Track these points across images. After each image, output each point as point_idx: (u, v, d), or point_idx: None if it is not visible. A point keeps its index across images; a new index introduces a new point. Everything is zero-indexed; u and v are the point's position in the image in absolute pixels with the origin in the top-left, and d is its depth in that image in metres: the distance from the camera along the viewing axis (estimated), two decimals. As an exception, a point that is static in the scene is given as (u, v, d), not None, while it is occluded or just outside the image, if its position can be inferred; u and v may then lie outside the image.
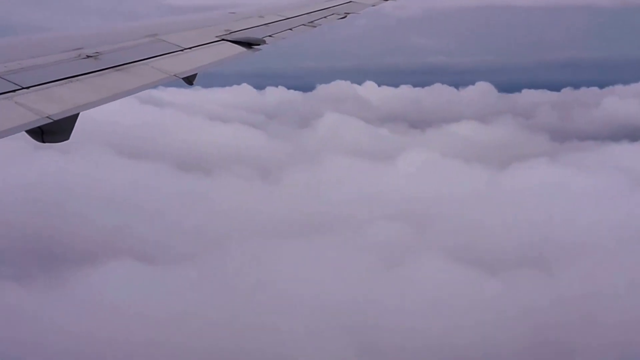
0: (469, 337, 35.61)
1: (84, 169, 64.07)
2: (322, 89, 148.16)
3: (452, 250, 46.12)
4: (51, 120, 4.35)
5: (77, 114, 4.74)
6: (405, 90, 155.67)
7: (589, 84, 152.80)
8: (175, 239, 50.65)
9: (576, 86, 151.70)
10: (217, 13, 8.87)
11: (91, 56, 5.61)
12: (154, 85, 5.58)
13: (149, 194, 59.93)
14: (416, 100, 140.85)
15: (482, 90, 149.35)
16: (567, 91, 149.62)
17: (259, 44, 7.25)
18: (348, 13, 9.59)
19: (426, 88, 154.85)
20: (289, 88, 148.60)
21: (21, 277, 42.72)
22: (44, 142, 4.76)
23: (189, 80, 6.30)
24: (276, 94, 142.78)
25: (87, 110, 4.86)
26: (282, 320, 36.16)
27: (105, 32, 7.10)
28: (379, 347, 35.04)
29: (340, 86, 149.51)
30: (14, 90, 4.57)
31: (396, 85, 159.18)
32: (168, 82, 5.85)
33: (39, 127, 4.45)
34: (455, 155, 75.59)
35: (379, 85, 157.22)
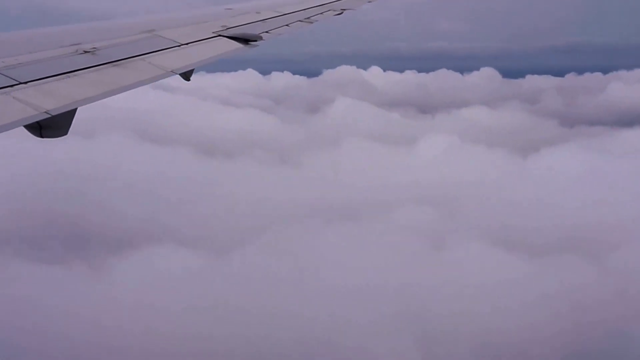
0: (514, 320, 35.09)
1: (110, 155, 64.58)
2: (328, 74, 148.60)
3: (488, 233, 45.81)
4: (49, 116, 4.38)
5: (75, 109, 4.77)
6: (411, 75, 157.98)
7: (592, 70, 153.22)
8: (209, 224, 50.29)
9: (580, 72, 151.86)
10: (213, 9, 8.89)
11: (88, 52, 5.63)
12: (151, 81, 5.60)
13: (176, 179, 59.80)
14: (422, 85, 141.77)
15: (486, 76, 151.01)
16: (571, 76, 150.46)
17: (255, 40, 7.28)
18: (344, 9, 9.62)
19: (430, 73, 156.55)
20: (294, 73, 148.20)
21: (57, 262, 42.36)
22: (42, 137, 4.79)
23: (186, 76, 6.33)
24: (282, 79, 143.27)
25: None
26: (330, 307, 35.41)
27: (102, 27, 7.12)
28: (432, 332, 34.39)
29: (346, 71, 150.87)
30: (11, 85, 4.59)
31: (401, 71, 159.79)
32: (165, 78, 5.87)
33: (37, 122, 4.48)
34: (473, 140, 75.55)
35: (384, 71, 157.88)
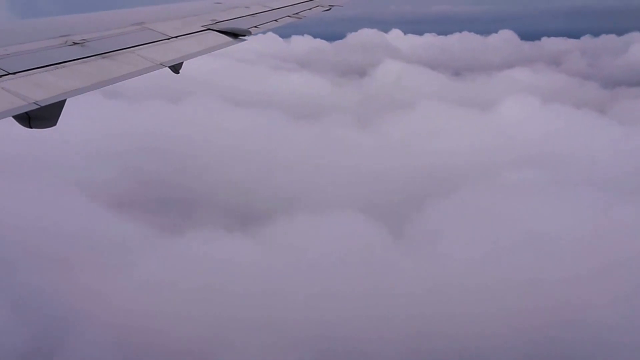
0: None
1: (200, 118, 63.88)
2: (351, 38, 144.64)
3: (601, 185, 44.91)
4: (38, 106, 4.40)
5: (64, 100, 4.80)
6: (431, 38, 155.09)
7: (607, 32, 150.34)
8: (317, 188, 49.09)
9: (595, 34, 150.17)
10: (203, 3, 8.92)
11: (78, 43, 5.65)
12: (140, 74, 5.64)
13: (276, 142, 59.05)
14: (445, 48, 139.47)
15: (506, 39, 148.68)
16: (586, 39, 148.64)
17: (244, 35, 7.33)
18: (332, 5, 9.68)
19: (449, 36, 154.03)
20: (314, 36, 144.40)
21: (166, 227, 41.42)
22: (31, 127, 4.81)
23: (175, 69, 6.37)
24: (303, 43, 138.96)
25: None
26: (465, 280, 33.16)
27: (92, 19, 7.13)
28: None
29: (369, 34, 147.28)
30: (0, 76, 4.61)
31: (420, 34, 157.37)
32: (154, 71, 5.91)
33: (26, 113, 4.50)
34: (546, 100, 73.89)
35: (405, 34, 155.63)
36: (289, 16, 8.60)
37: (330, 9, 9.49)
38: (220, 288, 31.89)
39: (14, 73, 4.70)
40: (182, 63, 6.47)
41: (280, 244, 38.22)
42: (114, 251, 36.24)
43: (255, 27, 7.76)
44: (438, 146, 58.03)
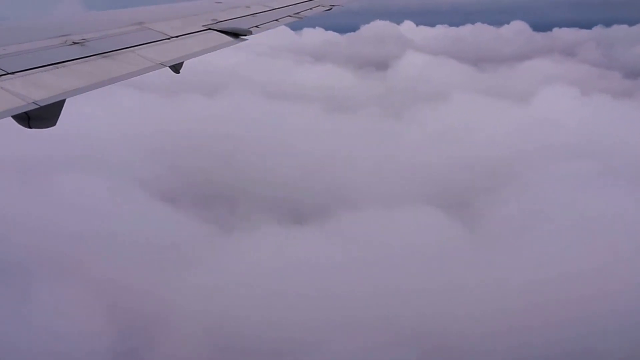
0: None
1: (239, 111, 63.66)
2: (364, 30, 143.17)
3: None
4: (37, 106, 4.37)
5: (64, 100, 4.77)
6: (443, 29, 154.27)
7: (619, 22, 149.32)
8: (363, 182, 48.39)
9: (607, 24, 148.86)
10: (203, 2, 8.90)
11: (77, 43, 5.62)
12: (140, 73, 5.61)
13: (317, 135, 58.40)
14: (459, 39, 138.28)
15: (518, 29, 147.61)
16: (598, 29, 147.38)
17: (245, 35, 7.30)
18: (333, 5, 9.66)
19: (461, 27, 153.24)
20: (326, 29, 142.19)
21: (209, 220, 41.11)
22: (30, 127, 4.78)
23: (176, 69, 6.34)
24: (315, 35, 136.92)
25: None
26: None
27: (92, 19, 7.10)
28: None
29: (382, 26, 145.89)
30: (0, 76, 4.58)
31: (432, 25, 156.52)
32: (154, 71, 5.88)
33: (26, 113, 4.48)
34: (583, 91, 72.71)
35: (417, 25, 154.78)
36: (289, 16, 8.58)
37: (331, 8, 9.48)
38: (300, 287, 31.32)
39: (13, 73, 4.67)
40: (182, 63, 6.44)
41: (352, 239, 37.42)
42: (183, 249, 35.91)
43: (256, 26, 7.73)
44: (481, 138, 57.45)
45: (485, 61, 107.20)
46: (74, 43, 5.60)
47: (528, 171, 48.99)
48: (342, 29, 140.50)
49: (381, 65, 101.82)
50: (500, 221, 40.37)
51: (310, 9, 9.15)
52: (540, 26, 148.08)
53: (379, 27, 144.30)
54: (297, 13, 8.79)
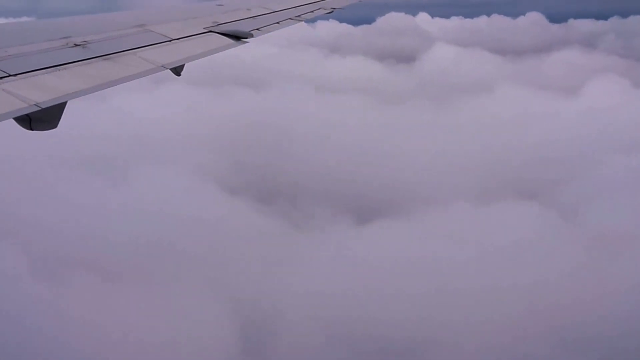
0: None
1: (288, 105, 63.52)
2: (380, 21, 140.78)
3: None
4: (39, 108, 4.37)
5: (65, 102, 4.77)
6: (458, 21, 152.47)
7: (635, 12, 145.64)
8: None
9: (624, 15, 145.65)
10: (204, 5, 8.90)
11: (79, 45, 5.63)
12: (141, 76, 5.61)
13: (372, 128, 57.90)
14: (476, 31, 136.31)
15: (534, 21, 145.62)
16: (615, 19, 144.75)
17: (246, 37, 7.30)
18: (335, 8, 9.67)
19: (476, 19, 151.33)
20: (340, 21, 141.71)
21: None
22: (32, 129, 4.78)
23: (177, 71, 6.34)
24: (330, 28, 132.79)
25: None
26: None
27: (93, 21, 7.11)
28: None
29: (398, 18, 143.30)
30: (1, 78, 4.57)
31: (447, 17, 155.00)
32: (155, 73, 5.88)
33: (27, 115, 4.48)
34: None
35: (432, 17, 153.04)
36: (290, 19, 8.59)
37: (332, 11, 9.49)
38: (404, 285, 30.59)
39: (15, 75, 4.67)
40: (183, 65, 6.45)
41: (442, 235, 36.45)
42: (263, 246, 35.78)
43: (257, 29, 7.74)
44: (537, 130, 56.42)
45: (512, 53, 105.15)
46: (76, 45, 5.60)
47: (589, 164, 48.21)
48: (356, 22, 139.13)
49: (405, 57, 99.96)
50: (584, 213, 39.39)
51: (312, 11, 9.17)
52: (556, 17, 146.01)
53: (395, 19, 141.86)
54: (299, 16, 8.80)
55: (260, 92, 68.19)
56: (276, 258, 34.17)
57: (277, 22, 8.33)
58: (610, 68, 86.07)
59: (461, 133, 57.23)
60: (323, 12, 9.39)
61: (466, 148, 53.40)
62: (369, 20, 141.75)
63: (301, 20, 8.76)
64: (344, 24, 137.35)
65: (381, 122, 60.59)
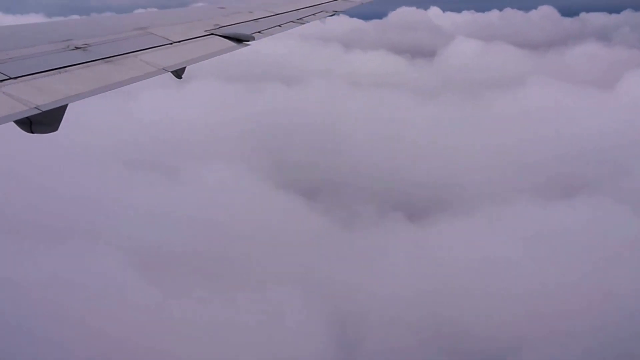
0: None
1: (326, 100, 63.25)
2: (392, 16, 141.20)
3: None
4: (40, 111, 4.35)
5: (66, 105, 4.75)
6: (470, 15, 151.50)
7: None
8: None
9: (636, 8, 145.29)
10: (206, 8, 8.88)
11: (80, 47, 5.61)
12: (143, 78, 5.59)
13: (413, 123, 57.41)
14: (490, 24, 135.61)
15: (545, 14, 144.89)
16: (628, 13, 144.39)
17: (247, 40, 7.28)
18: (337, 11, 9.65)
19: (487, 13, 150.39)
20: (350, 16, 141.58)
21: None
22: (32, 132, 4.76)
23: (178, 74, 6.32)
24: (340, 22, 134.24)
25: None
26: None
27: (94, 24, 7.09)
28: None
29: (409, 12, 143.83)
30: (1, 81, 4.55)
31: (458, 11, 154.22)
32: (157, 76, 5.86)
33: (28, 118, 4.46)
34: None
35: (443, 11, 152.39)
36: (292, 21, 8.56)
37: (334, 14, 9.48)
38: (479, 284, 30.37)
39: (16, 77, 4.65)
40: (184, 68, 6.42)
41: (514, 232, 35.74)
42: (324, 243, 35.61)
43: (259, 32, 7.72)
44: (579, 125, 55.37)
45: (530, 46, 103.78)
46: (77, 48, 5.58)
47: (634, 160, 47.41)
48: (366, 16, 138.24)
49: (422, 52, 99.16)
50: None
51: (314, 14, 9.15)
52: (568, 11, 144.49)
53: (407, 13, 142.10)
54: (300, 19, 8.78)
55: (292, 87, 67.93)
56: (348, 255, 34.13)
57: (279, 25, 8.30)
58: (635, 61, 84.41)
59: (502, 127, 56.38)
60: (325, 15, 9.38)
61: (510, 142, 52.52)
62: (380, 15, 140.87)
63: (303, 23, 8.74)
64: (355, 19, 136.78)
65: (421, 117, 59.89)
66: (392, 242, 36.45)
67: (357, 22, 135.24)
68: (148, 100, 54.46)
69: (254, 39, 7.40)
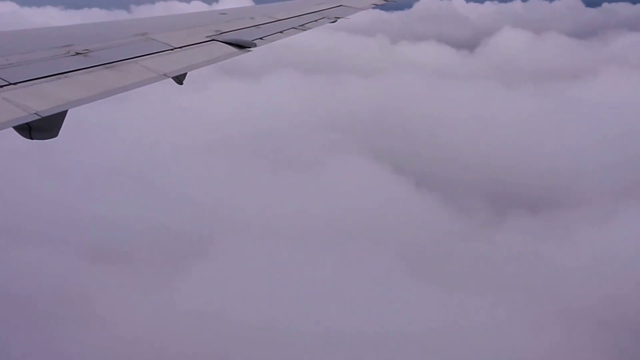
0: None
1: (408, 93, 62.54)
2: (417, 6, 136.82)
3: None
4: (39, 117, 4.31)
5: (66, 111, 4.71)
6: (492, 6, 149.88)
7: None
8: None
9: None
10: (207, 13, 8.86)
11: (80, 53, 5.57)
12: (143, 84, 5.55)
13: (495, 117, 56.58)
14: (516, 15, 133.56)
15: (569, 5, 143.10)
16: None
17: (249, 46, 7.24)
18: (338, 17, 9.63)
19: (509, 3, 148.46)
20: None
21: None
22: (32, 138, 4.71)
23: (179, 80, 6.28)
24: (361, 13, 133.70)
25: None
26: None
27: (95, 29, 7.06)
28: None
29: (434, 3, 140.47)
30: (1, 86, 4.52)
31: (481, 2, 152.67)
32: (157, 81, 5.82)
33: (27, 124, 4.41)
34: None
35: (467, 2, 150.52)
36: (294, 28, 8.53)
37: (336, 20, 9.46)
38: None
39: (15, 83, 4.61)
40: (185, 74, 6.39)
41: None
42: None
43: (261, 38, 7.68)
44: None
45: (564, 35, 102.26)
46: (77, 53, 5.55)
47: None
48: (387, 7, 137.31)
49: (465, 43, 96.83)
50: None
51: (316, 20, 9.12)
52: (591, 1, 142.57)
53: (431, 4, 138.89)
54: (302, 25, 8.75)
55: (369, 79, 66.99)
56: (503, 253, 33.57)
57: (281, 32, 8.27)
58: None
59: (598, 118, 55.08)
60: (327, 21, 9.35)
61: (612, 134, 50.87)
62: (401, 7, 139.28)
63: (305, 30, 8.70)
64: (377, 10, 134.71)
65: (511, 109, 58.66)
66: (540, 239, 35.48)
67: (379, 13, 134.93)
68: (231, 90, 54.57)
69: (255, 45, 7.36)
